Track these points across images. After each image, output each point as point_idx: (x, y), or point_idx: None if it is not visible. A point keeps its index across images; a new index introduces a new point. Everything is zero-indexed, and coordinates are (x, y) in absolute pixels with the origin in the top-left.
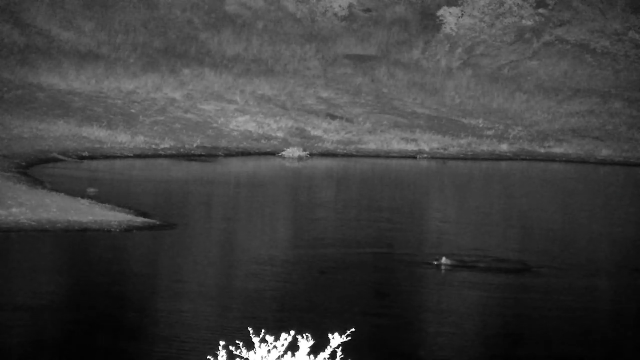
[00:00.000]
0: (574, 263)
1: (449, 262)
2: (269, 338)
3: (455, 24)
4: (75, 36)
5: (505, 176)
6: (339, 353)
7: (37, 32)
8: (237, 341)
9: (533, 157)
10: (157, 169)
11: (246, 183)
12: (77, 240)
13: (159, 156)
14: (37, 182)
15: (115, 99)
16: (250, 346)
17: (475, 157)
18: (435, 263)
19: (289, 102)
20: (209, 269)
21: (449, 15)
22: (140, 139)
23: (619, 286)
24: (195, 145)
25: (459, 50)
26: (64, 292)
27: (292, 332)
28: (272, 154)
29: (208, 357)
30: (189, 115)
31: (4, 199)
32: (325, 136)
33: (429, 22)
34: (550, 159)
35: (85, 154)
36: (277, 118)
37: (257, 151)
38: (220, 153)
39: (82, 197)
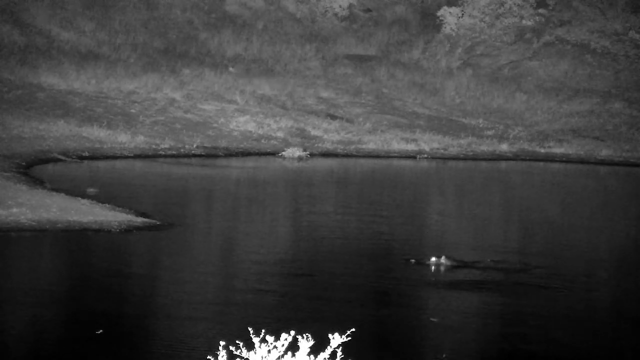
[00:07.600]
0: (574, 263)
1: (448, 262)
2: (269, 338)
3: (456, 24)
4: (76, 36)
5: (506, 176)
6: (339, 353)
7: (37, 32)
8: (237, 341)
9: (533, 158)
10: (157, 169)
11: (246, 183)
12: (77, 240)
13: (159, 156)
14: (37, 182)
15: (116, 99)
16: (250, 346)
17: (476, 157)
18: (435, 263)
19: (289, 102)
20: (208, 269)
21: (449, 15)
22: (140, 139)
23: (619, 286)
24: (195, 145)
25: (459, 50)
26: (63, 292)
27: (292, 332)
28: (272, 154)
29: (208, 357)
30: (189, 116)
31: (4, 199)
32: (325, 136)
33: (429, 22)
34: (550, 159)
35: (86, 154)
36: (277, 118)
37: (257, 151)
38: (220, 153)
39: (83, 197)
